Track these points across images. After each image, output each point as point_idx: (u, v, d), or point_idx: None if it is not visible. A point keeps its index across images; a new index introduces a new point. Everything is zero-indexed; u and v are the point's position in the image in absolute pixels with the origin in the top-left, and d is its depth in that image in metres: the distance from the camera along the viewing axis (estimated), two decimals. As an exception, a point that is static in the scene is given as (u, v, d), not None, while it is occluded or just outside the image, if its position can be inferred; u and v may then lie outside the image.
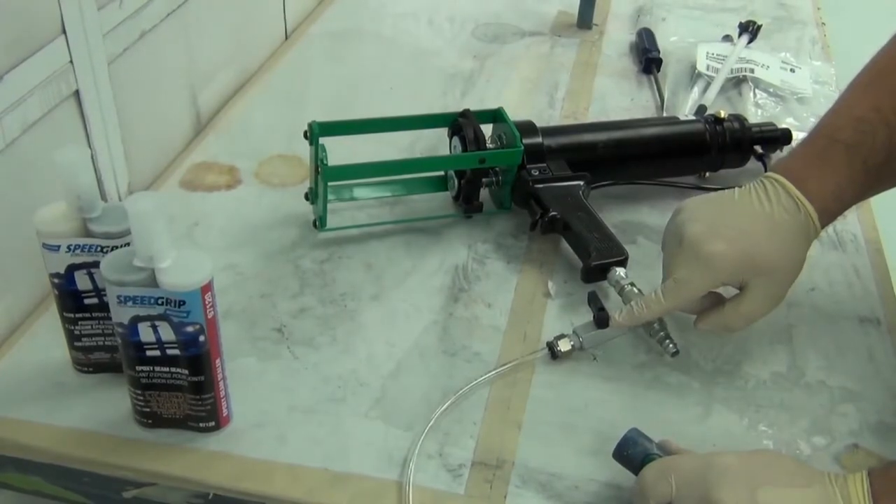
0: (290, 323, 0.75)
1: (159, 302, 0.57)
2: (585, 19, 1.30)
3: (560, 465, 0.64)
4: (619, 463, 0.62)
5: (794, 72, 1.16)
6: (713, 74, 1.13)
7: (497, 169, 0.87)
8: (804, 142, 0.72)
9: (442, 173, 0.91)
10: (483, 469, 0.64)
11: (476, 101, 1.09)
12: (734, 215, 0.70)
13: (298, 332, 0.75)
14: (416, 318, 0.77)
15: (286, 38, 1.25)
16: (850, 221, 0.91)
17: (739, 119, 0.94)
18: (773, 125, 0.97)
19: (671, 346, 0.71)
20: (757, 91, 1.12)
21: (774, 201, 0.69)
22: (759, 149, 0.94)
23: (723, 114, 0.94)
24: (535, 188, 0.84)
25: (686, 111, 1.07)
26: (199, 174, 0.95)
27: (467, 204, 0.88)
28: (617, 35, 1.29)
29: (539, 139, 0.87)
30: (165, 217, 0.56)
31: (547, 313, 0.78)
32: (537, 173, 0.85)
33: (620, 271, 0.77)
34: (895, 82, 0.69)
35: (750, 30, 1.22)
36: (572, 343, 0.72)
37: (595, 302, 0.73)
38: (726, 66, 1.14)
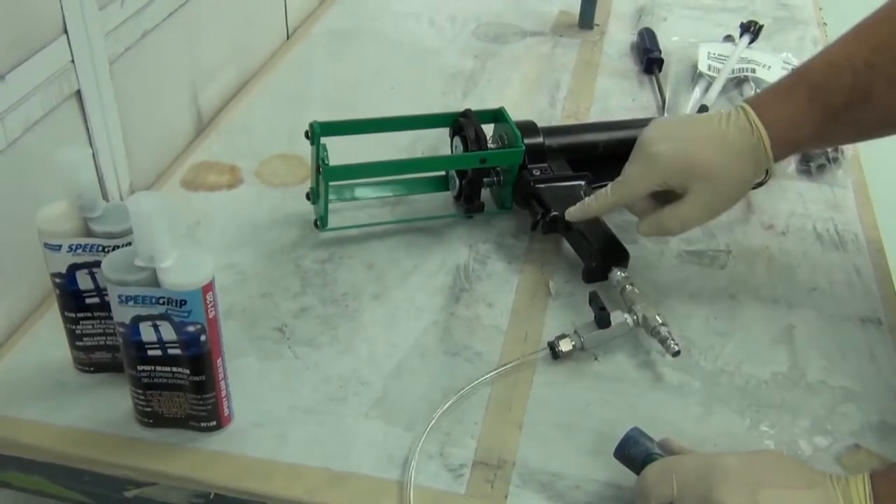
0: (291, 322, 0.75)
1: (161, 301, 0.57)
2: (587, 19, 1.30)
3: (561, 464, 0.64)
4: (620, 462, 0.62)
5: (795, 72, 1.15)
6: (714, 75, 1.13)
7: (498, 169, 0.87)
8: (778, 80, 0.76)
9: (443, 173, 0.91)
10: (484, 469, 0.64)
11: (477, 101, 1.09)
12: (690, 129, 0.75)
13: (299, 331, 0.75)
14: (417, 317, 0.77)
15: (287, 37, 1.25)
16: (851, 221, 0.91)
17: None
18: None
19: (673, 345, 0.71)
20: (758, 91, 1.12)
21: (732, 122, 0.73)
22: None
23: None
24: (536, 188, 0.84)
25: (688, 111, 1.07)
26: (201, 174, 0.95)
27: (468, 204, 0.88)
28: (618, 35, 1.29)
29: (540, 139, 0.87)
30: (166, 217, 0.56)
31: (548, 313, 0.78)
32: (538, 173, 0.85)
33: (621, 273, 0.77)
34: (872, 35, 0.71)
35: (751, 30, 1.22)
36: (573, 343, 0.72)
37: (596, 302, 0.73)
38: (728, 67, 1.14)
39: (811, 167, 0.97)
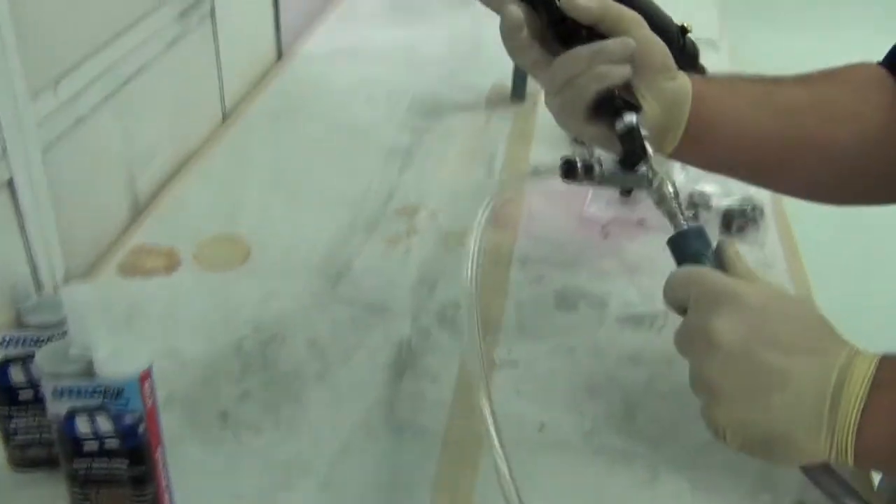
0: (233, 408, 0.74)
1: (97, 393, 0.56)
2: (519, 91, 1.33)
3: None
4: (669, 249, 0.64)
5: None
6: (644, 141, 1.16)
7: None
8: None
9: None
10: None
11: (416, 175, 1.10)
12: None
13: (242, 416, 0.74)
14: (361, 395, 0.76)
15: (224, 118, 1.26)
16: (782, 278, 0.93)
17: None
18: None
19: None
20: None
21: None
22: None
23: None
24: None
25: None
26: (138, 259, 0.94)
27: None
28: (550, 106, 1.32)
29: None
30: (102, 306, 0.55)
31: (493, 384, 0.78)
32: None
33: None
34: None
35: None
36: (592, 164, 0.70)
37: (634, 137, 0.68)
38: (656, 133, 1.17)
39: (732, 228, 1.00)
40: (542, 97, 1.32)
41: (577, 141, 1.20)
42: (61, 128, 0.85)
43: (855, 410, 0.54)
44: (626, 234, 1.01)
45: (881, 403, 0.54)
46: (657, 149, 0.71)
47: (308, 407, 0.75)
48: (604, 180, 0.72)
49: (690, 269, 0.62)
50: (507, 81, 1.33)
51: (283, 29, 1.44)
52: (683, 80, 0.72)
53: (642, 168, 0.69)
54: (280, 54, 1.45)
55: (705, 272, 0.62)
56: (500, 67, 1.35)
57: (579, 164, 0.71)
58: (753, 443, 0.58)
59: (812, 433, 0.56)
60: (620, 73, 0.68)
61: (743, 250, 0.96)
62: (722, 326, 0.57)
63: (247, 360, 0.80)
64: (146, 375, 0.56)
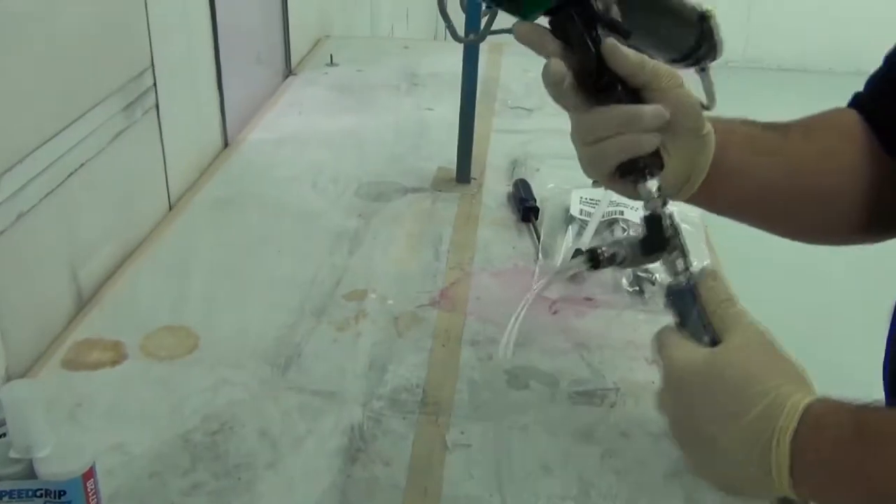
0: (182, 502, 0.73)
1: (38, 494, 0.55)
2: (464, 174, 1.35)
3: None
4: (667, 298, 0.69)
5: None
6: (587, 218, 1.19)
7: None
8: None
9: None
10: None
11: (364, 259, 1.11)
12: None
13: (191, 510, 0.72)
14: (313, 483, 0.75)
15: (170, 208, 1.26)
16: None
17: None
18: None
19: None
20: (629, 231, 1.18)
21: None
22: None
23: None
24: None
25: (562, 254, 1.11)
26: (82, 352, 0.92)
27: None
28: (494, 187, 1.34)
29: None
30: (42, 404, 0.54)
31: (446, 467, 0.78)
32: None
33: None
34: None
35: (619, 174, 1.30)
36: (615, 252, 0.71)
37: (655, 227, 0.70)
38: (599, 210, 1.20)
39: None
40: (485, 178, 1.36)
41: (522, 220, 1.23)
42: (2, 225, 0.85)
43: (784, 470, 0.57)
44: (574, 311, 1.02)
45: (804, 459, 0.57)
46: (673, 195, 0.74)
47: (260, 497, 0.73)
48: (627, 263, 0.73)
49: (657, 333, 0.68)
50: (452, 164, 1.36)
51: (228, 117, 1.45)
52: (709, 135, 0.74)
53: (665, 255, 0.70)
54: (226, 142, 1.46)
55: (663, 339, 0.67)
56: (445, 151, 1.38)
57: (603, 254, 0.72)
58: (721, 487, 0.64)
59: (757, 483, 0.59)
60: (649, 142, 0.69)
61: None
62: (664, 399, 0.65)
63: (196, 451, 0.78)
64: (89, 474, 0.55)
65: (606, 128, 0.69)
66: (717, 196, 0.77)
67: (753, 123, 0.80)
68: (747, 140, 0.78)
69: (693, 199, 0.77)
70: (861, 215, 0.81)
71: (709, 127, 0.74)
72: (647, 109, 0.68)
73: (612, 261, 0.72)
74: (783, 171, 0.79)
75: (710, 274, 0.68)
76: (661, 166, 0.70)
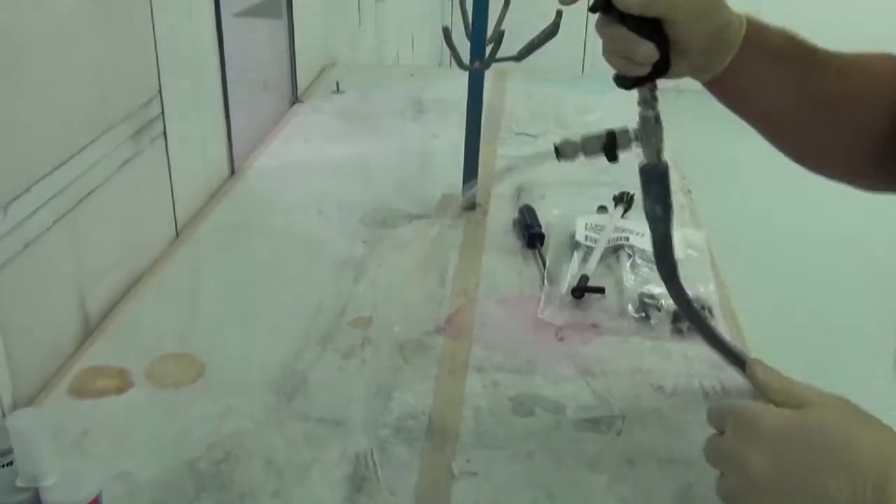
0: (186, 531, 0.72)
1: (44, 524, 0.54)
2: (469, 201, 1.35)
3: None
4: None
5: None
6: (592, 244, 1.19)
7: None
8: None
9: None
10: None
11: (369, 286, 1.11)
12: None
13: (196, 539, 0.72)
14: (318, 512, 0.75)
15: (177, 235, 1.26)
16: (734, 377, 0.94)
17: None
18: None
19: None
20: (634, 257, 1.18)
21: None
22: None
23: None
24: None
25: (567, 280, 1.11)
26: (89, 380, 0.92)
27: None
28: (500, 214, 1.34)
29: None
30: (49, 433, 0.54)
31: (452, 496, 0.78)
32: None
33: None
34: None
35: (624, 200, 1.30)
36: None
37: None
38: (604, 236, 1.20)
39: (682, 328, 1.02)
40: (491, 206, 1.36)
41: (528, 246, 1.23)
42: (10, 252, 0.85)
43: None
44: (580, 337, 1.02)
45: None
46: (694, 74, 0.78)
47: (264, 527, 0.73)
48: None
49: (730, 403, 0.70)
50: (457, 191, 1.36)
51: (234, 145, 1.46)
52: (734, 28, 0.76)
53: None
54: (232, 170, 1.47)
55: (744, 405, 0.68)
56: (450, 177, 1.38)
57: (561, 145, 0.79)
58: None
59: None
60: (639, 70, 0.75)
61: (692, 349, 0.99)
62: (753, 458, 0.63)
63: (201, 480, 0.78)
64: (95, 501, 0.55)
65: (609, 44, 0.74)
66: (729, 94, 0.80)
67: (794, 41, 0.80)
68: (778, 57, 0.79)
69: (713, 87, 0.80)
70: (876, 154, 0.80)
71: (738, 20, 0.76)
72: (640, 48, 0.73)
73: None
74: (819, 73, 0.79)
75: (757, 363, 0.74)
76: (658, 74, 0.75)
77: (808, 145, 0.84)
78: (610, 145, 0.79)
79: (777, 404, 0.68)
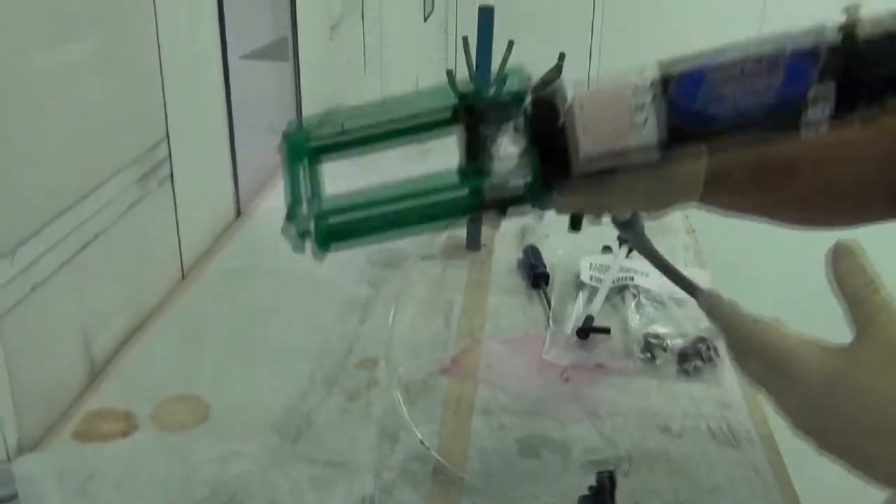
0: (191, 576, 0.72)
1: (48, 570, 0.54)
2: (474, 241, 1.36)
3: None
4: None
5: (671, 277, 1.23)
6: (597, 284, 1.19)
7: None
8: None
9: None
10: None
11: (375, 326, 1.11)
12: None
13: (200, 585, 0.71)
14: (324, 557, 0.74)
15: (183, 277, 1.27)
16: (741, 418, 0.94)
17: None
18: None
19: None
20: (639, 297, 1.18)
21: None
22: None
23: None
24: None
25: (573, 321, 1.11)
26: (94, 423, 0.92)
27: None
28: (504, 254, 1.35)
29: None
30: (56, 475, 0.54)
31: (458, 539, 0.77)
32: None
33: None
34: None
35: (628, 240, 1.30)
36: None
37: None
38: (609, 276, 1.20)
39: (688, 369, 1.01)
40: (496, 246, 1.36)
41: (532, 287, 1.23)
42: (16, 296, 0.86)
43: None
44: (586, 378, 1.02)
45: None
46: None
47: (269, 573, 0.73)
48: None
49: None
50: (462, 231, 1.37)
51: (241, 186, 1.47)
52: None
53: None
54: (239, 211, 1.48)
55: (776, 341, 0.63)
56: (455, 218, 1.39)
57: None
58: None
59: None
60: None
61: (699, 389, 0.98)
62: (802, 408, 0.59)
63: (205, 525, 0.78)
64: (100, 549, 0.55)
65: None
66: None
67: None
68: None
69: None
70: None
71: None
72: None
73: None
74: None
75: (845, 251, 0.60)
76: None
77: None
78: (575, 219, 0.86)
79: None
